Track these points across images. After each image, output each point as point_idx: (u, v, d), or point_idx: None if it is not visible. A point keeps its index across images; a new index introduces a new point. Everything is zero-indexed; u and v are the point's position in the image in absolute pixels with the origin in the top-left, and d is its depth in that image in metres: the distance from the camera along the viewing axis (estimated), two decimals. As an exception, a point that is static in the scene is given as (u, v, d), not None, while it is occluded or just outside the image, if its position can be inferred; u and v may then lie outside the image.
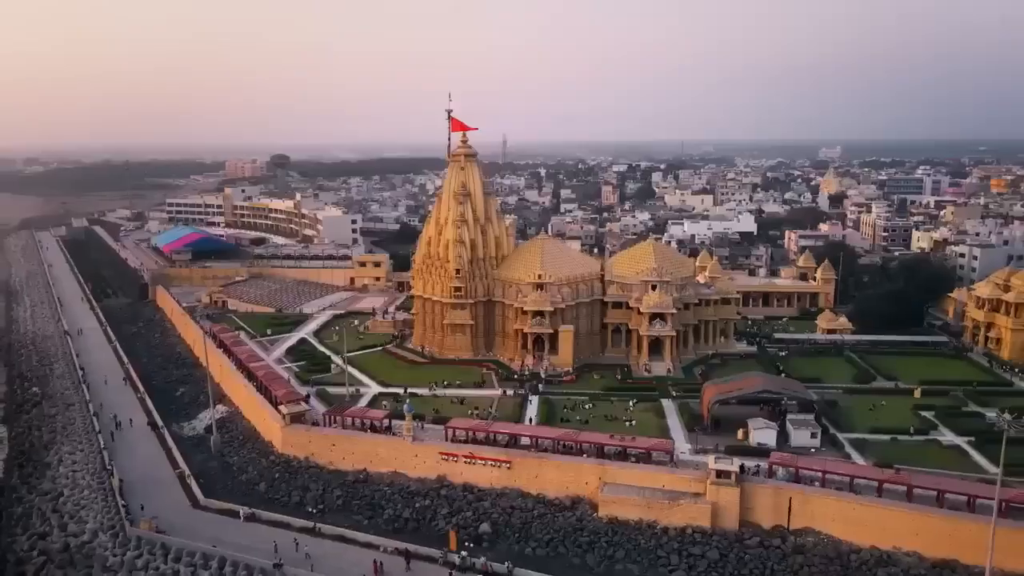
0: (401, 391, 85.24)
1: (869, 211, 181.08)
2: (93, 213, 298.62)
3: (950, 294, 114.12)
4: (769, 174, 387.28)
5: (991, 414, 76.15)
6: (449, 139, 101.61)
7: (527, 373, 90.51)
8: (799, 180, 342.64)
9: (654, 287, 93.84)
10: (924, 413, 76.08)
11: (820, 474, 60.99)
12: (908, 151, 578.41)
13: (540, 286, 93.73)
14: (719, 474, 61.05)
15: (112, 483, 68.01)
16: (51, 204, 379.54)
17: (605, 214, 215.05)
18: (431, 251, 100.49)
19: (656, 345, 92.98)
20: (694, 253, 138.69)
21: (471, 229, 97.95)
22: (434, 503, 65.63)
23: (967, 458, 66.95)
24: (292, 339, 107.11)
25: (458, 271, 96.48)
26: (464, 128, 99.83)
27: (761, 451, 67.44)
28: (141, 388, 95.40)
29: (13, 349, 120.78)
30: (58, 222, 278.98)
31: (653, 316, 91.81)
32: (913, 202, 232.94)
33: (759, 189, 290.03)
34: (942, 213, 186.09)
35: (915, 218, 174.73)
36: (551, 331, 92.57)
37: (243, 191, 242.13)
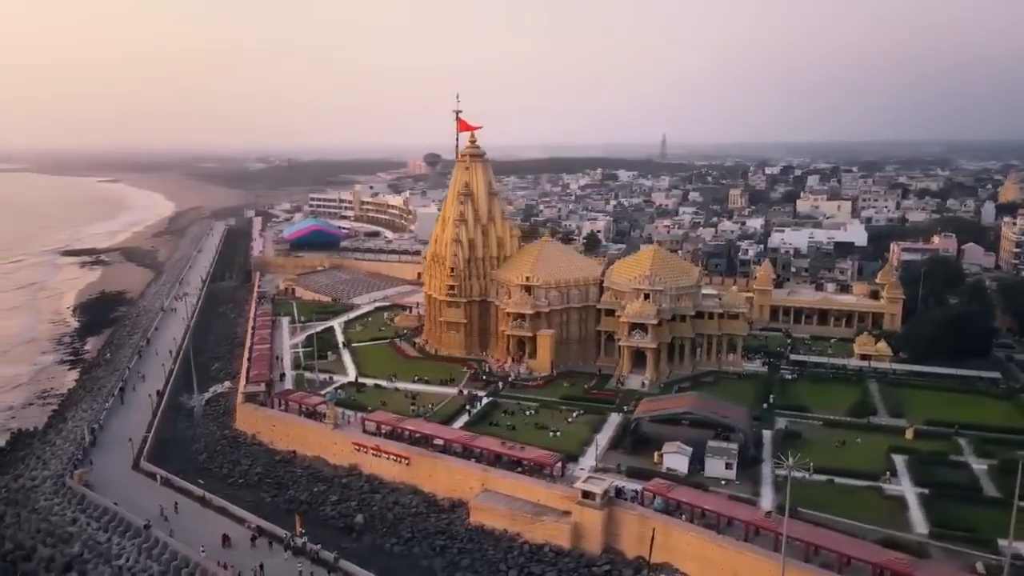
0: (375, 382, 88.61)
1: (1013, 224, 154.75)
2: (264, 206, 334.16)
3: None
4: (962, 178, 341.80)
5: (981, 466, 64.59)
6: (457, 139, 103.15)
7: (496, 374, 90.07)
8: (989, 186, 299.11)
9: (647, 296, 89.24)
10: (896, 456, 66.11)
11: (691, 507, 55.75)
12: None
13: (527, 288, 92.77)
14: (585, 495, 57.94)
15: (86, 439, 77.91)
16: (248, 197, 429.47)
17: (714, 218, 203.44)
18: (436, 249, 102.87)
19: (642, 356, 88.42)
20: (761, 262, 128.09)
21: (470, 229, 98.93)
22: (328, 490, 68.43)
23: (902, 513, 57.38)
24: (320, 327, 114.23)
25: (452, 269, 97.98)
26: (470, 128, 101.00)
27: (671, 476, 62.94)
28: (177, 361, 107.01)
29: (120, 320, 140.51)
30: (235, 213, 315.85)
31: (634, 326, 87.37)
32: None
33: (915, 196, 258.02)
34: None
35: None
36: (530, 335, 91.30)
37: (371, 187, 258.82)
